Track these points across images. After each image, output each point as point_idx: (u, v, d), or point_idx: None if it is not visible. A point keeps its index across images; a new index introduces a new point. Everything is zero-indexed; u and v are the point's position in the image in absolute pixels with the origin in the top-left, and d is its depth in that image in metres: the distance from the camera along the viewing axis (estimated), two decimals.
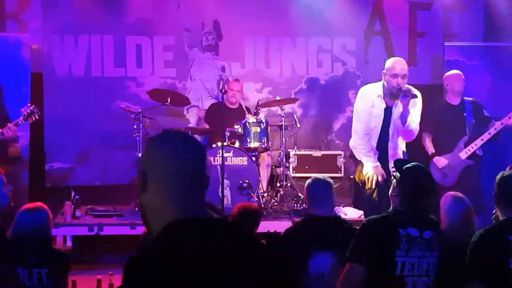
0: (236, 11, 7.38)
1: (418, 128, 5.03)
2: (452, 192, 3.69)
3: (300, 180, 6.55)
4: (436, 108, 5.98)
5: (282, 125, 6.42)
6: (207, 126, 6.71)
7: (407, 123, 4.87)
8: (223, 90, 5.70)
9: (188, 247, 1.46)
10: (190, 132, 6.42)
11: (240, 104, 6.89)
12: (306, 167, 6.84)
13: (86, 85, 7.24)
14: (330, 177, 3.71)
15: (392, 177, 3.15)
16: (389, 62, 4.97)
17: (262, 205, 5.99)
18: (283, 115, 6.44)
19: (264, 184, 6.39)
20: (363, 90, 5.14)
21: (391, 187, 3.09)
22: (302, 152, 7.01)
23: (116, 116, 6.99)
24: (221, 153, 5.42)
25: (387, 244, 2.85)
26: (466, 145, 5.91)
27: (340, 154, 6.99)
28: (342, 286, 2.87)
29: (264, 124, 6.25)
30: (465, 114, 5.98)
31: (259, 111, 6.70)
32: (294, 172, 6.83)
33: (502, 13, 7.42)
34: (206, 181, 1.62)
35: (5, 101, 6.17)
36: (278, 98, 6.66)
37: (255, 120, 6.24)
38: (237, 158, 6.04)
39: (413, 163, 3.10)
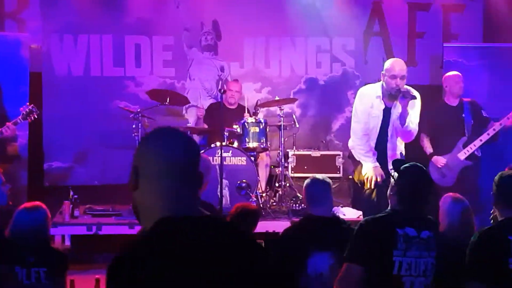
0: (235, 11, 7.38)
1: (417, 128, 5.03)
2: (451, 193, 3.69)
3: (298, 180, 6.54)
4: (434, 109, 5.98)
5: (281, 125, 6.42)
6: (205, 126, 6.71)
7: (406, 124, 4.88)
8: (222, 90, 5.70)
9: (176, 244, 1.45)
10: (189, 132, 6.43)
11: (239, 104, 6.90)
12: (305, 167, 6.84)
13: (85, 85, 7.24)
14: (329, 177, 3.71)
15: (391, 177, 3.15)
16: (388, 63, 4.97)
17: (261, 205, 5.99)
18: (282, 115, 6.43)
19: (262, 184, 6.39)
20: (362, 90, 5.14)
21: (389, 187, 3.09)
22: (301, 152, 7.00)
23: (115, 115, 6.99)
24: (220, 153, 5.42)
25: (384, 244, 2.85)
26: (464, 146, 5.91)
27: (339, 154, 6.99)
28: (340, 286, 2.87)
29: (263, 124, 6.25)
30: (463, 115, 5.98)
31: (258, 111, 6.70)
32: (292, 172, 6.83)
33: (501, 14, 7.43)
34: (200, 179, 1.60)
35: (4, 100, 6.17)
36: (277, 98, 6.66)
37: (254, 120, 6.24)
38: (236, 158, 6.04)
39: (411, 163, 3.11)
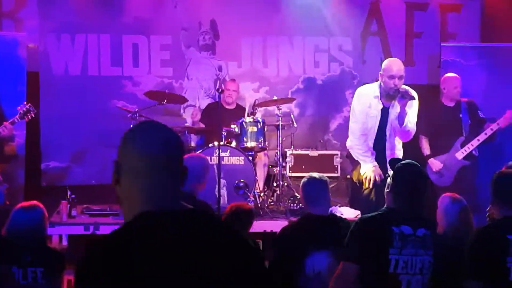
0: (233, 11, 7.37)
1: (415, 128, 5.03)
2: (449, 193, 3.70)
3: (296, 180, 6.53)
4: (432, 109, 5.98)
5: (279, 124, 6.41)
6: (202, 125, 6.70)
7: (405, 124, 4.88)
8: (220, 90, 5.69)
9: (155, 238, 1.43)
10: (186, 132, 6.43)
11: (237, 104, 6.89)
12: (303, 166, 6.83)
13: (82, 84, 7.22)
14: (327, 177, 3.70)
15: (387, 176, 3.15)
16: (385, 63, 4.97)
17: (259, 205, 5.98)
18: (280, 114, 6.43)
19: (260, 184, 6.38)
20: (360, 90, 5.14)
21: (386, 185, 3.08)
22: (299, 151, 7.00)
23: (113, 115, 6.97)
24: (217, 153, 5.41)
25: (380, 242, 2.85)
26: (462, 146, 5.92)
27: (337, 154, 6.99)
28: (336, 285, 2.87)
29: (261, 124, 6.24)
30: (461, 115, 5.99)
31: (256, 111, 6.69)
32: (290, 171, 6.82)
33: (498, 14, 7.43)
34: (183, 173, 1.58)
35: (1, 99, 6.15)
36: (275, 97, 6.65)
37: (252, 120, 6.23)
38: (233, 157, 6.03)
39: (406, 161, 3.11)
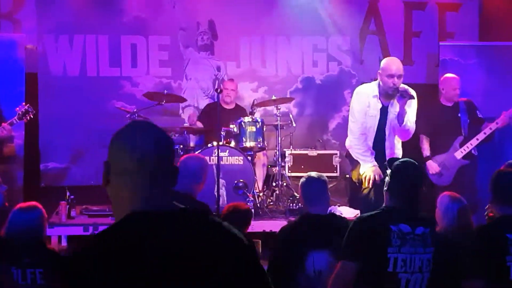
0: (231, 11, 7.37)
1: (414, 126, 5.03)
2: (448, 193, 3.69)
3: (295, 180, 6.53)
4: (430, 109, 5.97)
5: (277, 124, 6.41)
6: (201, 125, 6.69)
7: (404, 123, 4.87)
8: (219, 90, 5.69)
9: (144, 238, 1.43)
10: (185, 132, 6.43)
11: (236, 104, 6.89)
12: (302, 166, 6.84)
13: (81, 85, 7.22)
14: (326, 177, 3.69)
15: (386, 175, 3.15)
16: (384, 62, 4.97)
17: (258, 205, 5.98)
18: (278, 114, 6.43)
19: (260, 184, 6.38)
20: (359, 90, 5.13)
21: (384, 184, 3.08)
22: (298, 151, 7.00)
23: (112, 115, 6.96)
24: (216, 153, 5.41)
25: (379, 241, 2.85)
26: (461, 145, 5.91)
27: (336, 154, 6.99)
28: (335, 284, 2.86)
29: (260, 124, 6.24)
30: (459, 115, 5.99)
31: (255, 111, 6.69)
32: (289, 171, 6.83)
33: (497, 13, 7.44)
34: (174, 173, 1.57)
35: (0, 101, 6.15)
36: (273, 97, 6.65)
37: (250, 120, 6.23)
38: (232, 157, 6.02)
39: (404, 159, 3.11)
